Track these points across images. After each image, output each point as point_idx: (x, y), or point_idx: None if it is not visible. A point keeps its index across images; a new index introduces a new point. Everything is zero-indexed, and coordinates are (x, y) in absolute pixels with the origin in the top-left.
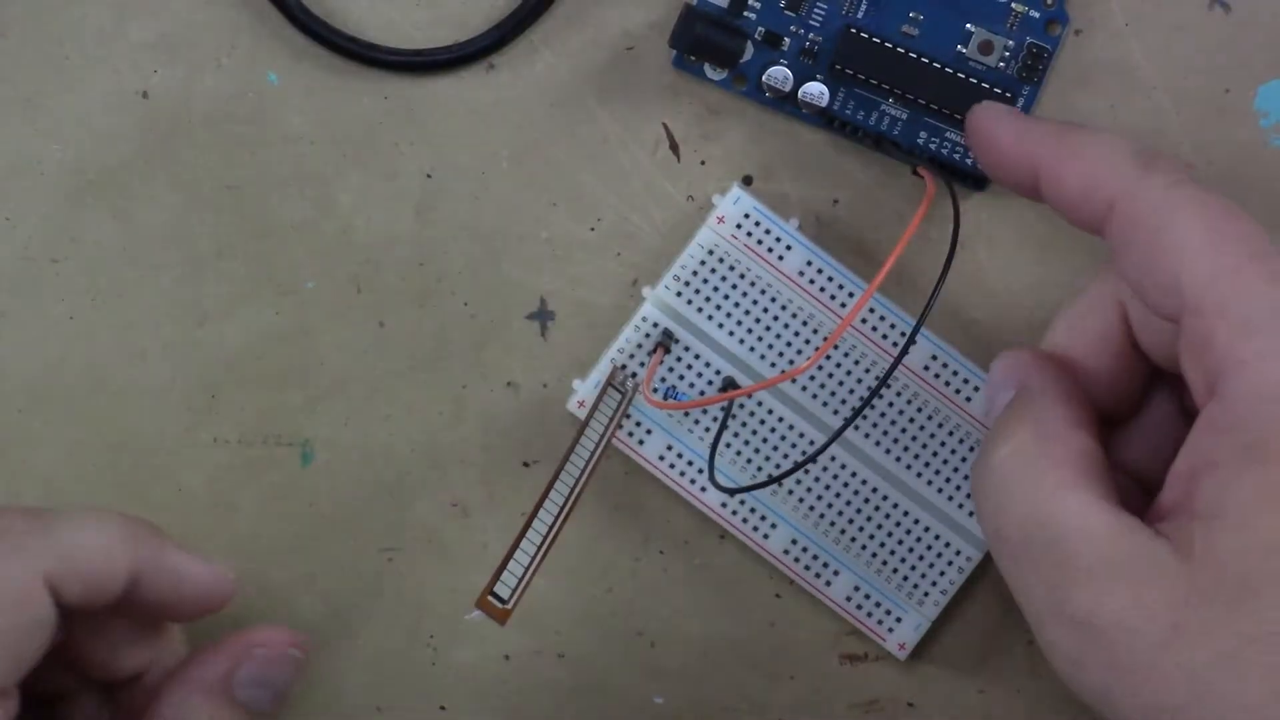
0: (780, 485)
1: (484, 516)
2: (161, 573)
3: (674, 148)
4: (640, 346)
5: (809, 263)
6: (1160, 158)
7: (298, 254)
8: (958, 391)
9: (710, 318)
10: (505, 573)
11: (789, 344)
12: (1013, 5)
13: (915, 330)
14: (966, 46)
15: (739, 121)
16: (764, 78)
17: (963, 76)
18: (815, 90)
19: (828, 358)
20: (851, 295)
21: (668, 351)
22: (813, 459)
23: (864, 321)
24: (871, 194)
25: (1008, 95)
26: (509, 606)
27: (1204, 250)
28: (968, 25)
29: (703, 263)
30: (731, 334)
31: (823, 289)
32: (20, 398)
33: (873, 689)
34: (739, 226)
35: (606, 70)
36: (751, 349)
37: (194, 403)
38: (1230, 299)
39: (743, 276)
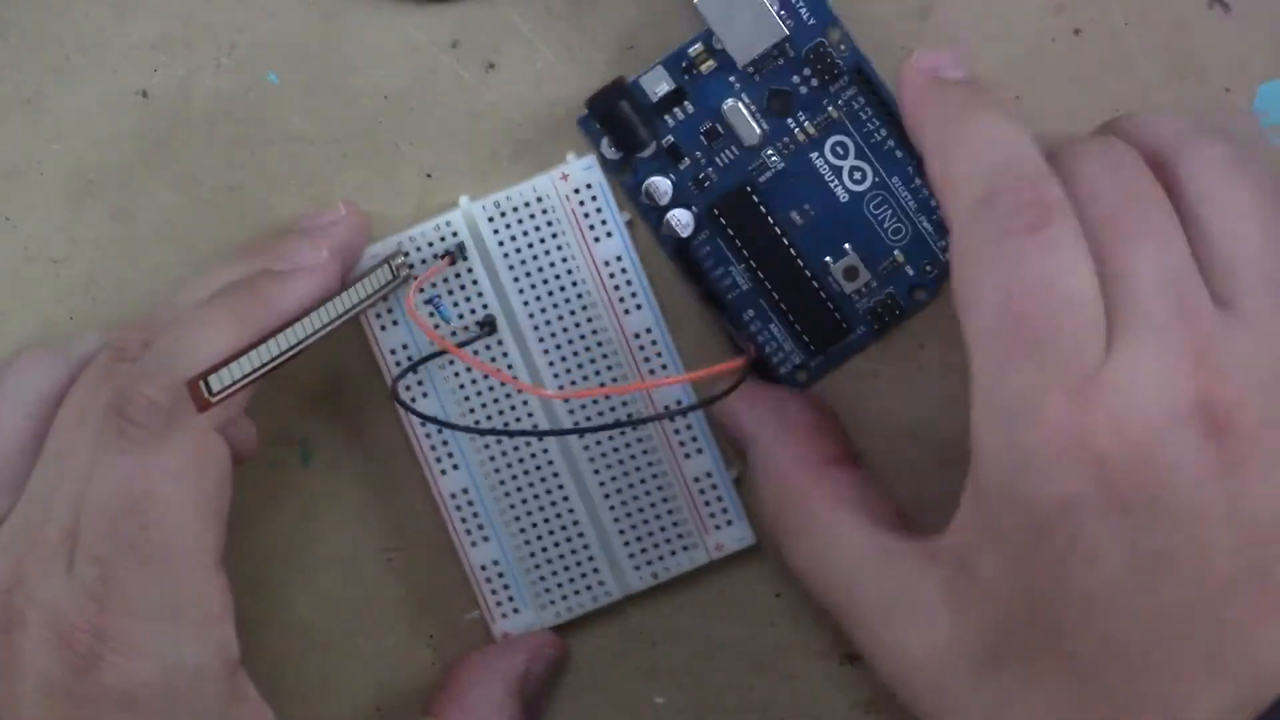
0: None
1: None
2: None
3: None
4: (431, 245)
5: (618, 258)
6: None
7: None
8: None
9: (506, 256)
10: (223, 371)
11: (561, 319)
12: (895, 253)
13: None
14: (835, 262)
15: None
16: (647, 183)
17: (815, 286)
18: (684, 218)
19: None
20: (640, 308)
21: (453, 263)
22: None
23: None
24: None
25: (844, 325)
26: (213, 400)
27: None
28: (846, 245)
29: (526, 204)
30: (516, 280)
31: (617, 288)
32: None
33: (873, 688)
34: (576, 191)
35: (606, 70)
36: (526, 304)
37: None
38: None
39: (555, 237)
